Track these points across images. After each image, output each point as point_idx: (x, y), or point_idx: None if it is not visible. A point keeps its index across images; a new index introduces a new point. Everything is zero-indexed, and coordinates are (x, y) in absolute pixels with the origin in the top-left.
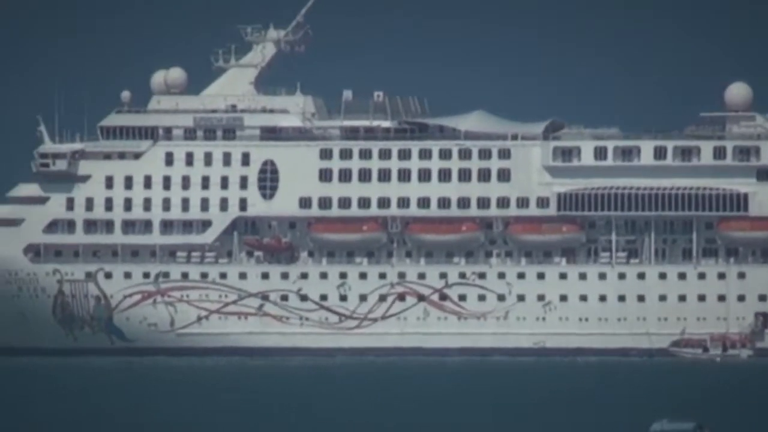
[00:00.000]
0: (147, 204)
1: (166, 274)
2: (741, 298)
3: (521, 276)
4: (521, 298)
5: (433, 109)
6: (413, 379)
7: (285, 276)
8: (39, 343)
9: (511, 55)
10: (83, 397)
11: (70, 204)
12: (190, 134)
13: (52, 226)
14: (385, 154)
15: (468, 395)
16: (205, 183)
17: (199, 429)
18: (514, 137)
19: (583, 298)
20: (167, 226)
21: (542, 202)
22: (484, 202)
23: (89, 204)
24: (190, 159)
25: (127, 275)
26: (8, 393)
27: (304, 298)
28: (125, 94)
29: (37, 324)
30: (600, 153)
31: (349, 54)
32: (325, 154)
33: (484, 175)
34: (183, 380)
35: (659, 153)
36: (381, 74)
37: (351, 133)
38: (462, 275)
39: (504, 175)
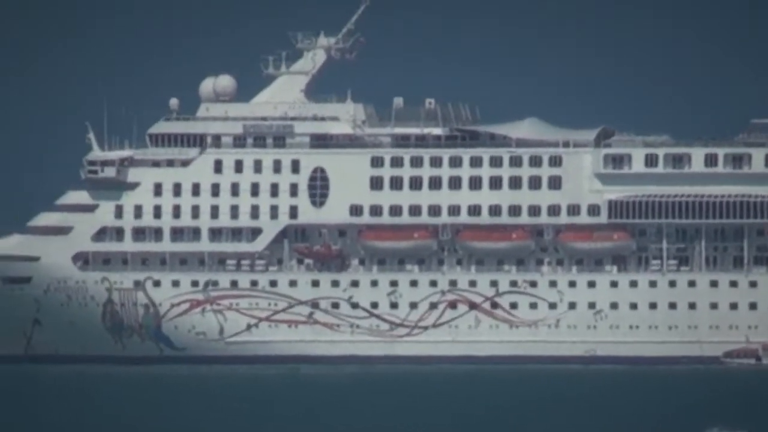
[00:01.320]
0: (196, 211)
1: (215, 283)
2: None
3: (572, 284)
4: (572, 306)
5: (485, 116)
6: (464, 387)
7: (335, 284)
8: (88, 351)
9: (562, 63)
10: (131, 404)
11: (118, 211)
12: (239, 142)
13: (101, 234)
14: (436, 162)
15: (519, 403)
16: (255, 190)
17: None
18: (566, 144)
19: (634, 306)
20: (216, 233)
21: (593, 210)
22: (534, 210)
23: (138, 211)
24: (239, 166)
25: (176, 283)
26: (57, 400)
27: (354, 305)
28: (174, 102)
29: (86, 332)
30: (651, 160)
31: (400, 61)
32: (376, 162)
33: (535, 183)
34: (231, 389)
35: (710, 160)
36: (432, 81)
37: (402, 141)
38: (513, 283)
39: (555, 183)
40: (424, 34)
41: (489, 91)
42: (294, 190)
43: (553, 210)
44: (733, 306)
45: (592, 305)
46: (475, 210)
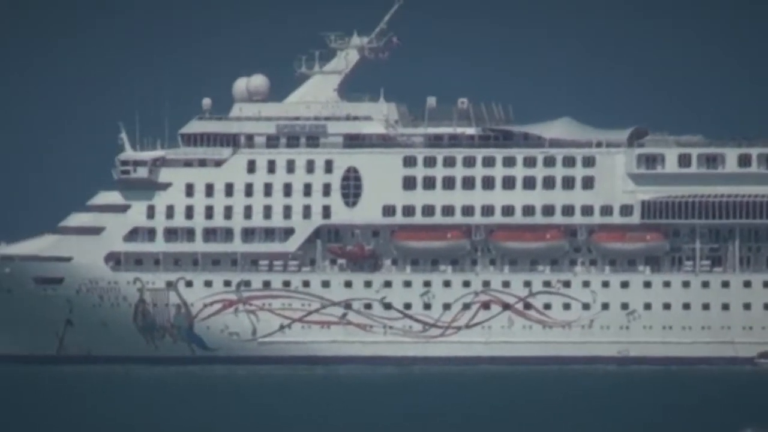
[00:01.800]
0: (228, 212)
1: (247, 283)
2: None
3: (605, 284)
4: (605, 306)
5: (518, 116)
6: (496, 388)
7: (368, 284)
8: (120, 351)
9: (595, 63)
10: (163, 405)
11: (150, 212)
12: (272, 141)
13: (133, 234)
14: (469, 162)
15: (551, 404)
16: (288, 190)
17: None
18: (599, 145)
19: (667, 306)
20: (249, 234)
21: (626, 210)
22: (568, 210)
23: (170, 212)
24: (272, 166)
25: (208, 284)
26: (89, 401)
27: (387, 306)
28: (206, 101)
29: (118, 332)
30: (684, 160)
31: (433, 60)
32: (409, 162)
33: (569, 183)
34: (264, 389)
35: (744, 160)
36: (465, 81)
37: (435, 141)
38: (546, 283)
39: (588, 183)
40: (457, 33)
41: (522, 90)
42: (327, 190)
43: (587, 210)
44: (767, 306)
45: (625, 306)
46: (508, 210)
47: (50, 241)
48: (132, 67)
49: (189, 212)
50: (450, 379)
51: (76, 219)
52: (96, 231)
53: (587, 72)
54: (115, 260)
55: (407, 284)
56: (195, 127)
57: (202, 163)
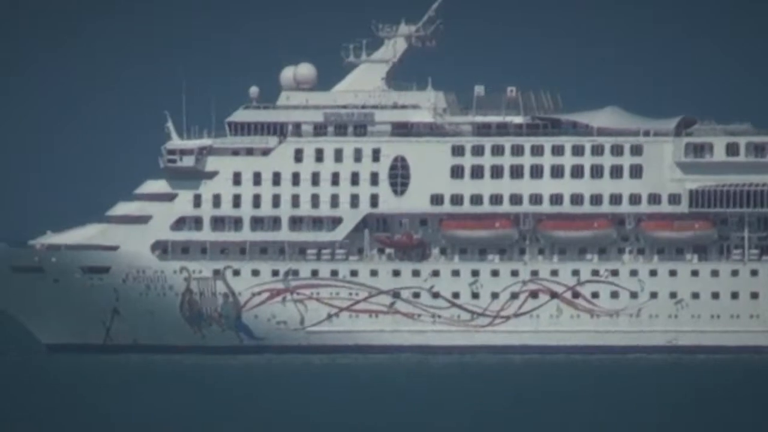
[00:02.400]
0: (276, 200)
1: (295, 272)
2: None
3: (653, 273)
4: (653, 295)
5: (566, 104)
6: (544, 377)
7: (416, 273)
8: (167, 340)
9: (644, 51)
10: (209, 395)
11: (197, 200)
12: (320, 130)
13: (180, 223)
14: (517, 151)
15: (600, 393)
16: (335, 179)
17: (334, 426)
18: (646, 133)
19: (715, 295)
20: (296, 223)
21: (674, 199)
22: (616, 199)
23: (217, 200)
24: (320, 155)
25: (256, 273)
26: (136, 390)
27: (435, 295)
28: (254, 90)
29: (164, 322)
30: (732, 149)
31: (481, 49)
32: (457, 151)
33: (616, 172)
34: (311, 378)
35: None
36: (514, 69)
37: (483, 129)
38: (595, 272)
39: (636, 172)
40: (505, 21)
41: (570, 79)
42: (375, 179)
43: (635, 199)
44: None
45: (673, 294)
46: (556, 199)
47: (97, 230)
48: (178, 56)
49: (236, 201)
50: (498, 369)
51: (123, 208)
52: (143, 220)
53: (635, 61)
54: (161, 249)
55: (455, 273)
56: (242, 115)
57: (249, 152)
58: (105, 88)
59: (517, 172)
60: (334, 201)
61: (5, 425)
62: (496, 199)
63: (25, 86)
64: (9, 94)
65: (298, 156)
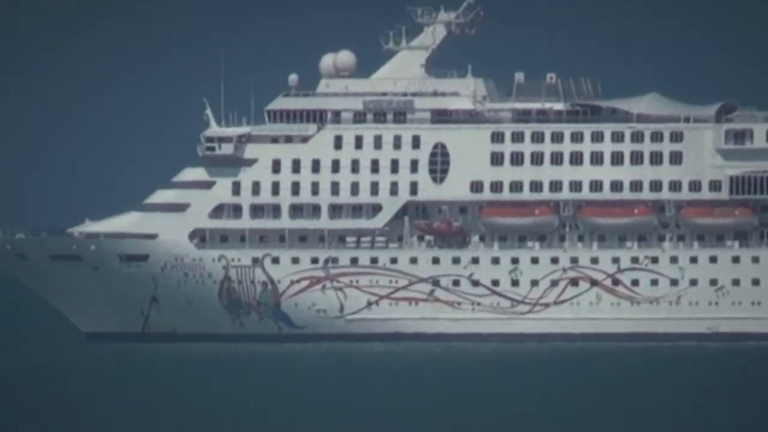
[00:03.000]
0: (315, 188)
1: (335, 260)
2: None
3: (693, 260)
4: (693, 282)
5: (606, 91)
6: (584, 364)
7: (456, 261)
8: (205, 329)
9: (684, 37)
10: (249, 383)
11: (236, 188)
12: (359, 117)
13: (218, 211)
14: (557, 137)
15: (640, 380)
16: (375, 167)
17: (383, 413)
18: (687, 120)
19: (756, 282)
20: (336, 210)
21: (714, 186)
22: (656, 186)
23: (256, 188)
24: (359, 142)
25: (295, 260)
26: (174, 379)
27: (475, 283)
28: (293, 78)
29: (203, 310)
30: None
31: (521, 35)
32: (497, 137)
33: (656, 158)
34: (350, 366)
35: None
36: (553, 56)
37: (523, 116)
38: (634, 260)
39: (676, 158)
40: (545, 7)
41: (610, 65)
42: (414, 166)
43: (675, 186)
44: None
45: (713, 282)
46: (596, 186)
47: (135, 218)
48: (218, 43)
49: (275, 188)
50: (537, 356)
51: (161, 196)
52: (181, 208)
53: (675, 47)
54: (200, 237)
55: (495, 261)
56: (281, 103)
57: (289, 139)
58: (144, 76)
59: (556, 159)
60: (374, 188)
61: (45, 413)
62: (535, 186)
63: (67, 74)
64: (51, 83)
65: (338, 143)
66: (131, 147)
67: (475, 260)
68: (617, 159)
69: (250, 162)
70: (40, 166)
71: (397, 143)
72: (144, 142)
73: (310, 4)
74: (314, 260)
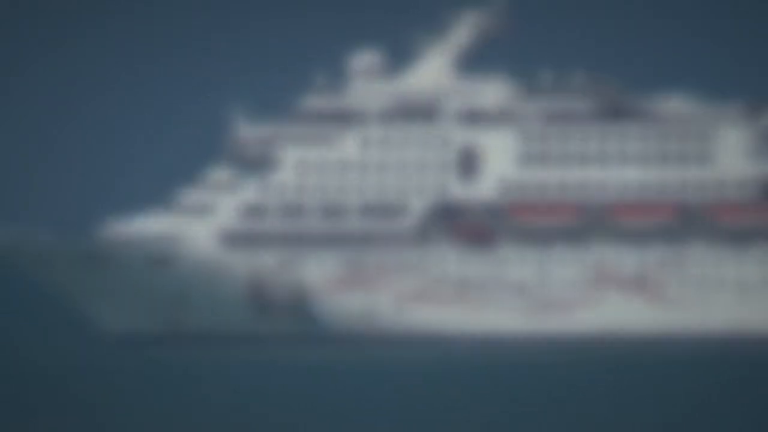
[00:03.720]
0: (343, 189)
1: (362, 261)
2: None
3: (723, 261)
4: (722, 283)
5: (634, 90)
6: (614, 366)
7: (486, 261)
8: (233, 331)
9: (712, 36)
10: (277, 387)
11: (263, 189)
12: (387, 117)
13: (246, 212)
14: (584, 137)
15: (671, 382)
16: (403, 167)
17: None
18: (716, 119)
19: None
20: (364, 211)
21: (744, 186)
22: (684, 186)
23: (283, 189)
24: (387, 142)
25: (323, 262)
26: (202, 381)
27: (503, 284)
28: (321, 77)
29: (231, 312)
30: None
31: (549, 35)
32: (525, 137)
33: (685, 159)
34: (380, 369)
35: None
36: (582, 55)
37: (551, 115)
38: (662, 260)
39: (705, 158)
40: (574, 6)
41: (638, 64)
42: (443, 166)
43: (703, 186)
44: None
45: (742, 283)
46: (623, 187)
47: (162, 219)
48: (245, 42)
49: (303, 189)
50: (566, 358)
51: (188, 196)
52: (208, 209)
53: (703, 46)
54: (227, 238)
55: (524, 262)
56: (309, 103)
57: (316, 139)
58: (170, 74)
59: (584, 159)
60: (402, 189)
61: (71, 415)
62: (563, 187)
63: (84, 73)
64: (67, 83)
65: (366, 143)
66: (158, 147)
67: (504, 261)
68: (644, 159)
69: (278, 162)
70: (65, 166)
71: (426, 143)
72: (170, 142)
73: (339, 2)
74: (342, 261)
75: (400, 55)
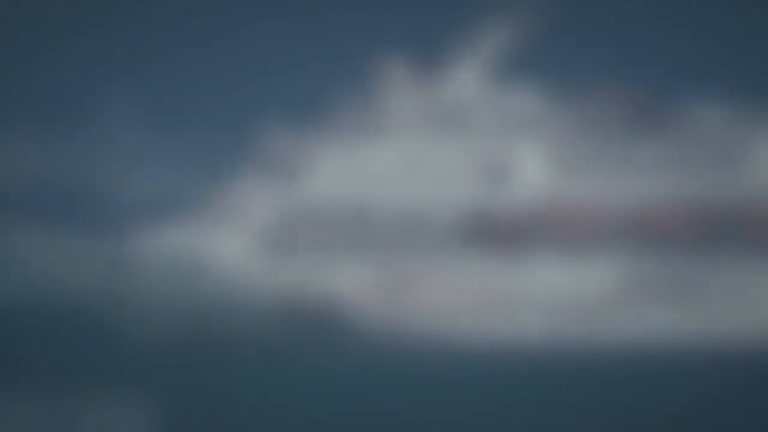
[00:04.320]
0: (375, 196)
1: (397, 268)
2: None
3: (759, 271)
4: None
5: (667, 97)
6: (646, 378)
7: (519, 270)
8: (265, 339)
9: (748, 41)
10: (304, 393)
11: (293, 195)
12: (419, 124)
13: (275, 218)
14: (618, 144)
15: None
16: (437, 175)
17: None
18: (750, 122)
19: None
20: (397, 219)
21: None
22: (715, 195)
23: (314, 196)
24: (420, 150)
25: (356, 270)
26: (229, 390)
27: (536, 292)
28: (350, 82)
29: (262, 320)
30: None
31: (581, 42)
32: (559, 144)
33: (718, 165)
34: (422, 375)
35: None
36: (614, 59)
37: (584, 124)
38: (689, 270)
39: (738, 167)
40: (606, 10)
41: (672, 69)
42: (477, 174)
43: (738, 193)
44: None
45: None
46: (657, 195)
47: (188, 224)
48: (275, 45)
49: (334, 195)
50: (600, 368)
51: (214, 201)
52: (237, 214)
53: (737, 50)
54: (257, 244)
55: (556, 270)
56: (337, 108)
57: (345, 146)
58: (196, 76)
59: (617, 167)
60: (435, 196)
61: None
62: (596, 195)
63: (102, 71)
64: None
65: (398, 150)
66: (183, 151)
67: (537, 270)
68: (678, 167)
69: (307, 167)
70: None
71: (460, 151)
72: (197, 147)
73: (370, 6)
74: (374, 270)
75: (433, 61)
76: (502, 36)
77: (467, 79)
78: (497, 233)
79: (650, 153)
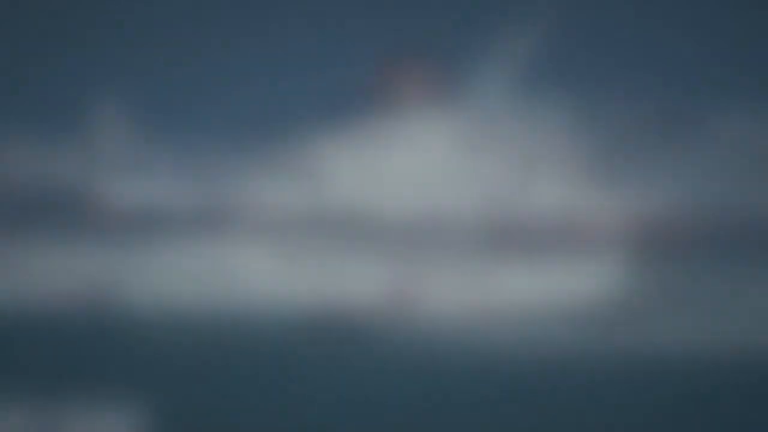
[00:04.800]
0: (398, 198)
1: (419, 272)
2: None
3: None
4: None
5: (689, 103)
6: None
7: (545, 275)
8: (283, 349)
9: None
10: (322, 395)
11: (311, 198)
12: (441, 129)
13: (293, 223)
14: (647, 151)
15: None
16: (459, 177)
17: None
18: None
19: None
20: (421, 222)
21: None
22: (747, 204)
23: (332, 198)
24: (442, 153)
25: (376, 274)
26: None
27: (559, 298)
28: (370, 83)
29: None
30: None
31: (599, 48)
32: (586, 150)
33: (744, 172)
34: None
35: None
36: (645, 65)
37: (614, 127)
38: (722, 281)
39: (764, 171)
40: (634, 14)
41: (693, 77)
42: (499, 177)
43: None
44: None
45: None
46: (688, 203)
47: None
48: (294, 47)
49: (354, 198)
50: (632, 377)
51: (236, 207)
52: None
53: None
54: (276, 251)
55: (584, 276)
56: (360, 109)
57: (369, 147)
58: (215, 86)
59: (646, 174)
60: (455, 204)
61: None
62: (625, 201)
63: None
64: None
65: (423, 153)
66: (186, 153)
67: (564, 275)
68: (703, 176)
69: (325, 172)
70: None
71: (482, 154)
72: (199, 147)
73: (393, 13)
74: (395, 275)
75: (458, 67)
76: (525, 43)
77: (488, 85)
78: (516, 241)
79: (676, 163)
